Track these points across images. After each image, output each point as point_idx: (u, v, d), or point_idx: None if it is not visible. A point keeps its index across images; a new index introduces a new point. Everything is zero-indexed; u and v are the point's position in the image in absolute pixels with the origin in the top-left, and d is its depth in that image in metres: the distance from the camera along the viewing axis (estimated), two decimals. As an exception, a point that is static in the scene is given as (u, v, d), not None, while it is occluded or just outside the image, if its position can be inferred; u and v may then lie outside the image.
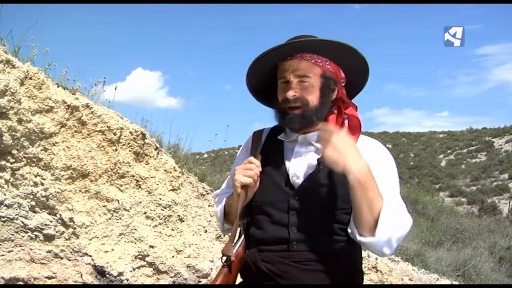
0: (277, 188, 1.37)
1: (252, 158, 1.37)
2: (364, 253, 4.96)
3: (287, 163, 1.38)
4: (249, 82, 1.47)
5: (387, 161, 1.39)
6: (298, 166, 1.36)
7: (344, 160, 1.18)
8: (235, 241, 1.40)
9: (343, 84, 1.42)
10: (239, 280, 1.44)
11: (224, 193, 1.58)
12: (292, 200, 1.34)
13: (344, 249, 1.33)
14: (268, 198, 1.38)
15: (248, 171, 1.34)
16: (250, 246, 1.42)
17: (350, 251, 1.35)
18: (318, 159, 1.34)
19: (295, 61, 1.34)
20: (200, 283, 3.29)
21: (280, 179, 1.37)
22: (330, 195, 1.32)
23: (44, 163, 2.62)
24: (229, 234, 1.42)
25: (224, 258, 1.38)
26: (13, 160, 2.47)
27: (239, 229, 1.44)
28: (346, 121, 1.39)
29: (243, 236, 1.42)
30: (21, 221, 2.52)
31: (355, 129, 1.38)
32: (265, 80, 1.44)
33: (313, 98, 1.32)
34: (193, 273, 3.30)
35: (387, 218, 1.19)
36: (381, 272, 4.60)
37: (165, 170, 3.32)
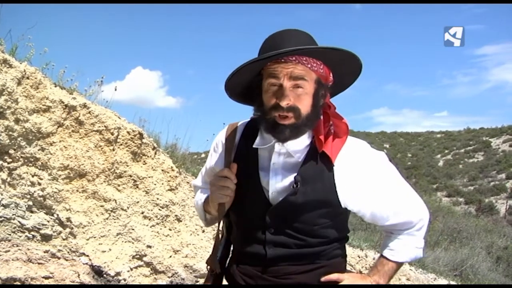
0: (253, 203, 1.31)
1: (227, 172, 1.30)
2: (361, 253, 4.96)
3: (263, 175, 1.30)
4: (230, 82, 1.30)
5: (380, 162, 1.33)
6: (277, 182, 1.28)
7: None
8: (218, 250, 1.41)
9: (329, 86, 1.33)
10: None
11: (201, 187, 1.55)
12: (268, 217, 1.29)
13: (325, 259, 1.32)
14: (244, 214, 1.34)
15: (224, 189, 1.28)
16: (233, 253, 1.42)
17: (332, 258, 1.34)
18: (295, 177, 1.25)
19: (290, 64, 1.21)
20: (198, 283, 3.29)
21: (255, 194, 1.30)
22: (308, 212, 1.27)
23: (41, 163, 2.61)
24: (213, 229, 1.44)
25: (209, 270, 1.40)
26: (10, 160, 2.46)
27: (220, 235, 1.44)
28: (332, 128, 1.31)
29: (223, 243, 1.43)
30: (18, 221, 2.51)
31: (341, 135, 1.30)
32: (247, 78, 1.30)
33: (305, 107, 1.22)
34: (191, 273, 3.30)
35: (400, 253, 1.36)
36: (378, 272, 4.59)
37: (162, 170, 3.32)
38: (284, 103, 1.20)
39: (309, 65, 1.22)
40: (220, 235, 1.42)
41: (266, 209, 1.29)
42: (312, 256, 1.30)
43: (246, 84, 1.32)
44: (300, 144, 1.28)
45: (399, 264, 1.37)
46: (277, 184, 1.28)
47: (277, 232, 1.28)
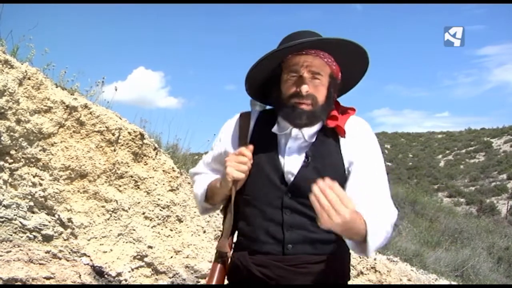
0: (271, 184, 1.33)
1: (244, 150, 1.32)
2: (362, 254, 4.95)
3: (281, 159, 1.35)
4: (252, 76, 1.39)
5: (373, 145, 1.39)
6: (292, 163, 1.33)
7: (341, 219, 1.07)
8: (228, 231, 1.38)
9: None
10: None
11: (204, 173, 1.54)
12: (285, 198, 1.31)
13: (337, 249, 1.33)
14: (261, 194, 1.34)
15: (241, 165, 1.30)
16: (239, 242, 1.39)
17: (342, 251, 1.35)
18: (306, 153, 1.32)
19: (309, 57, 1.31)
20: (199, 284, 3.29)
21: (274, 175, 1.33)
22: None
23: (43, 163, 2.61)
24: (217, 219, 1.40)
25: (218, 253, 1.37)
26: (12, 161, 2.47)
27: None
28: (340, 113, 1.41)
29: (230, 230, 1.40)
30: (20, 222, 2.52)
31: (349, 112, 1.41)
32: (266, 71, 1.39)
33: (321, 97, 1.32)
34: (192, 273, 3.30)
35: (375, 234, 1.19)
36: (379, 272, 4.60)
37: (163, 171, 3.32)
38: (304, 91, 1.30)
39: (325, 59, 1.33)
40: (231, 210, 1.37)
41: (283, 189, 1.32)
42: (327, 243, 1.31)
43: (264, 78, 1.40)
44: (313, 129, 1.37)
45: (361, 230, 1.18)
46: (291, 164, 1.33)
47: (294, 212, 1.30)
